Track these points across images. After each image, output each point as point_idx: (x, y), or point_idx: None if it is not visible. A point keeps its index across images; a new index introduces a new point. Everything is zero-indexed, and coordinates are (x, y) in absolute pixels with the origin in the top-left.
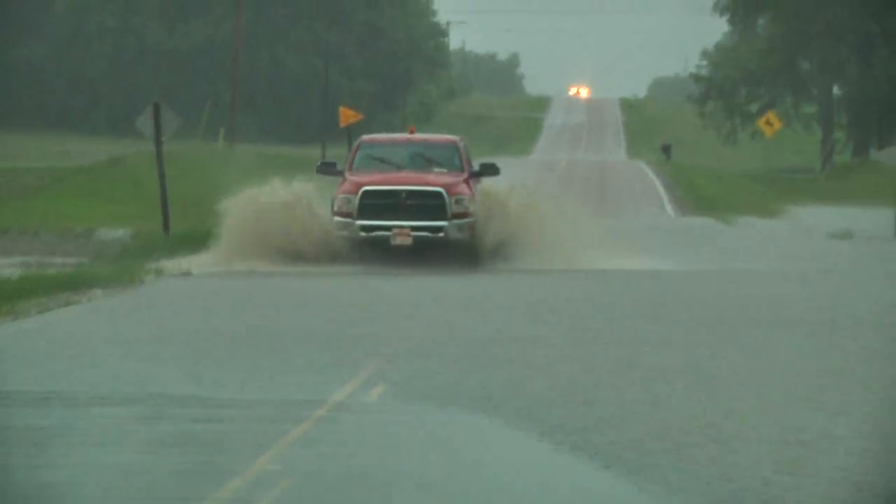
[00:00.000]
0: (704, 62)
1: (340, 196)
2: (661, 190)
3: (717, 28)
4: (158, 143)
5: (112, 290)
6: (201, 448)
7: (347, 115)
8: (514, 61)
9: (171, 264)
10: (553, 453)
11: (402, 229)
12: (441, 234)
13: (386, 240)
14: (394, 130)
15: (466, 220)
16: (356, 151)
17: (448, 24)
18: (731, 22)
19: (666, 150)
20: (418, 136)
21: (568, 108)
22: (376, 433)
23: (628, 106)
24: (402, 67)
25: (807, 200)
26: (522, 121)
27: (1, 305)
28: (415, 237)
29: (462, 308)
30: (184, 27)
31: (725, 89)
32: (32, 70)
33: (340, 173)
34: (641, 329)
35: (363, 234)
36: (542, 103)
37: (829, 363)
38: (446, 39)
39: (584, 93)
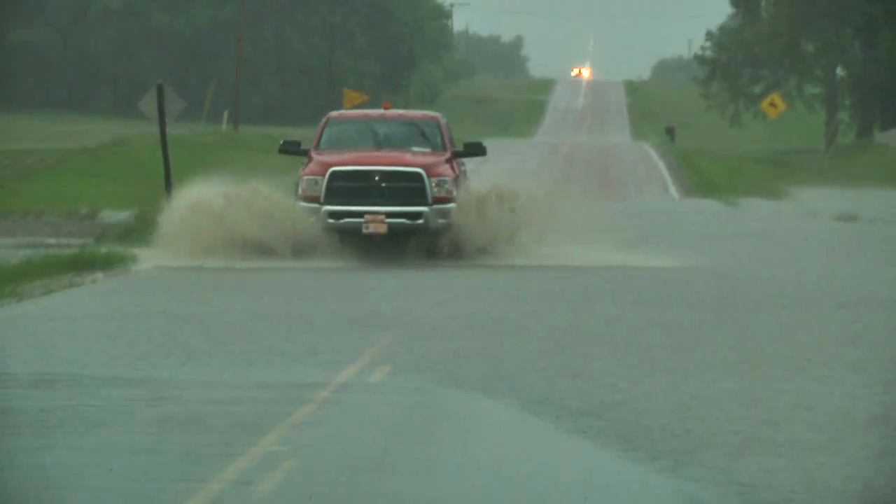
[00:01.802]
0: (709, 43)
1: (305, 178)
2: (665, 172)
3: (722, 10)
4: (162, 124)
5: (113, 272)
6: (205, 429)
7: (352, 97)
8: (517, 44)
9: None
10: (559, 434)
11: (376, 215)
12: (420, 221)
13: (357, 228)
14: None
15: (449, 205)
16: (323, 128)
17: (452, 5)
18: (734, 4)
19: (670, 132)
20: (394, 111)
21: (571, 90)
22: (381, 414)
23: (632, 88)
24: (406, 49)
25: (811, 182)
26: (526, 103)
27: (4, 287)
28: (390, 224)
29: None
30: (187, 8)
31: (730, 71)
32: (36, 52)
33: (306, 153)
34: (652, 319)
35: (331, 221)
36: (545, 86)
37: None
38: (450, 21)
39: (586, 73)
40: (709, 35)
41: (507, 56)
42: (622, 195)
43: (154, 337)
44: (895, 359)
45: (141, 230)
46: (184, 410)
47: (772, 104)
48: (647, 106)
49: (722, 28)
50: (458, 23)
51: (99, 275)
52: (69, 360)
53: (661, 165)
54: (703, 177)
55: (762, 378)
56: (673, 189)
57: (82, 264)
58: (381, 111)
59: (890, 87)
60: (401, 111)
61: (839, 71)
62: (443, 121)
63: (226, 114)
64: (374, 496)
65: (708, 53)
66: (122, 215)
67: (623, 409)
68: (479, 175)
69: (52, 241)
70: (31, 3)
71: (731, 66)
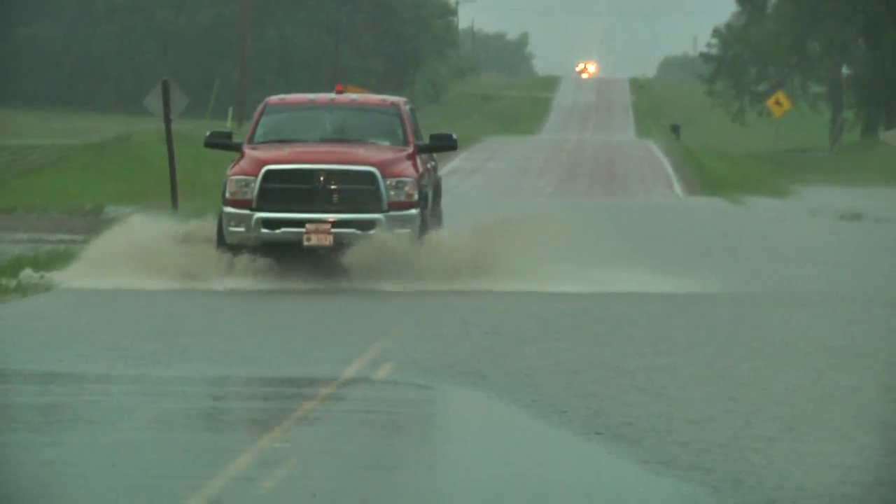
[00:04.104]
0: (714, 41)
1: (234, 178)
2: (670, 170)
3: (727, 7)
4: (168, 120)
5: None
6: (208, 426)
7: (355, 93)
8: (523, 41)
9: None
10: (564, 433)
11: (320, 224)
12: (373, 232)
13: (297, 239)
14: None
15: (410, 211)
16: (259, 117)
17: (457, 2)
18: (739, 2)
19: (675, 129)
20: (346, 96)
21: (577, 87)
22: (384, 412)
23: (637, 86)
24: (412, 46)
25: (815, 180)
26: (531, 100)
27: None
28: (337, 235)
29: None
30: (191, 5)
31: (735, 68)
32: (40, 48)
33: (238, 147)
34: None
35: (265, 231)
36: (551, 83)
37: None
38: (455, 18)
39: (591, 68)
40: (715, 32)
41: (512, 53)
42: (627, 193)
43: (154, 332)
44: None
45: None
46: (186, 407)
47: (777, 103)
48: (652, 103)
49: (728, 26)
50: (464, 20)
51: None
52: (68, 357)
53: (666, 163)
54: (707, 175)
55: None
56: (678, 187)
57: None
58: (329, 96)
59: (895, 86)
60: (354, 96)
61: (844, 70)
62: (406, 108)
63: (230, 110)
64: (376, 493)
65: (713, 51)
66: (126, 211)
67: (614, 408)
68: (483, 174)
69: (52, 237)
70: (35, 0)
71: (737, 63)
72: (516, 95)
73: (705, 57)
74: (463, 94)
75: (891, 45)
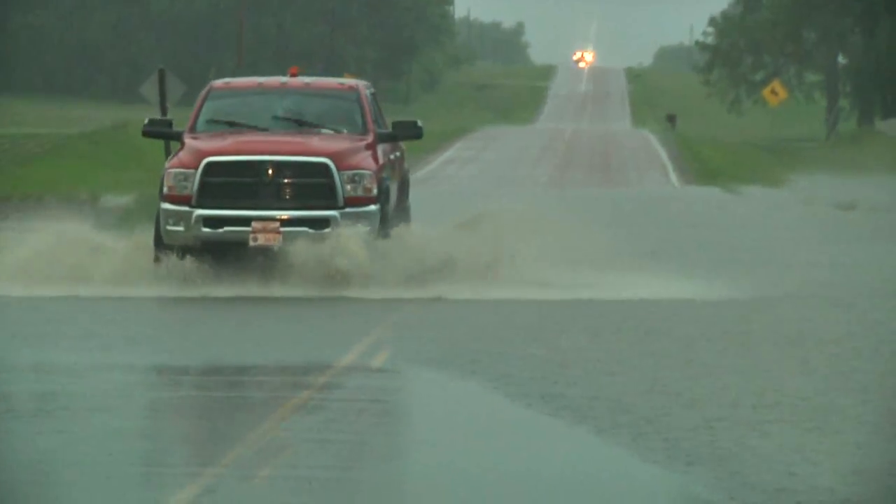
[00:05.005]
0: (710, 29)
1: (172, 171)
2: (666, 159)
3: None
4: (164, 109)
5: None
6: (205, 415)
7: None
8: (519, 30)
9: None
10: (559, 423)
11: (268, 223)
12: (328, 230)
13: (243, 239)
14: (397, 100)
15: (368, 207)
16: (202, 103)
17: None
18: None
19: (671, 119)
20: (299, 80)
21: (573, 77)
22: (381, 400)
23: (633, 75)
24: (407, 35)
25: (811, 169)
26: (527, 89)
27: None
28: (287, 235)
29: None
30: None
31: (731, 58)
32: (35, 36)
33: (178, 137)
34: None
35: (206, 230)
36: (547, 72)
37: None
38: (451, 7)
39: (588, 57)
40: (711, 21)
41: (508, 42)
42: (623, 182)
43: (152, 322)
44: None
45: (140, 214)
46: (181, 395)
47: (773, 92)
48: (648, 93)
49: (724, 15)
50: (460, 9)
51: None
52: (66, 346)
53: (662, 152)
54: (703, 164)
55: None
56: (674, 176)
57: None
58: (280, 79)
59: (890, 76)
60: (309, 79)
61: (840, 59)
62: (366, 92)
63: None
64: (373, 482)
65: (709, 40)
66: (122, 200)
67: (613, 398)
68: (478, 163)
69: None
70: None
71: (733, 53)
72: (512, 84)
73: (701, 46)
74: (459, 84)
75: (886, 34)
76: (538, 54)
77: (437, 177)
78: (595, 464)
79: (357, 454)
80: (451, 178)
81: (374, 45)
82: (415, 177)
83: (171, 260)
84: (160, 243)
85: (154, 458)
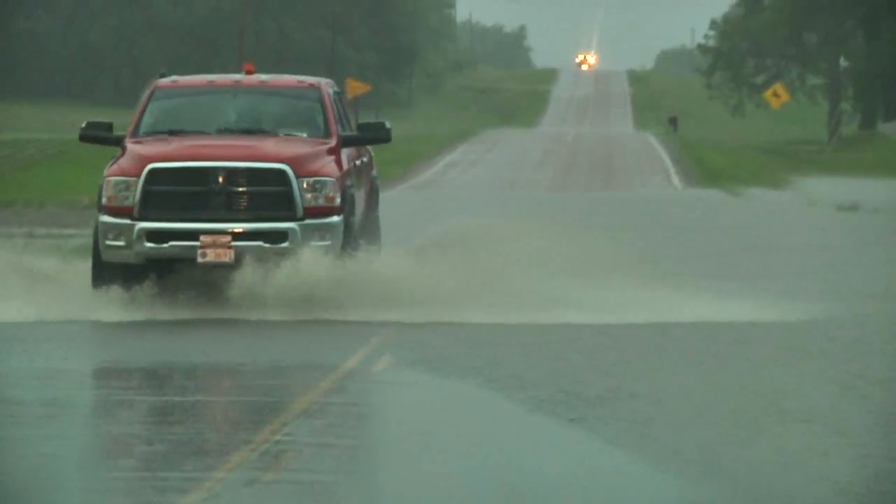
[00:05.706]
0: (712, 32)
1: (112, 179)
2: (668, 162)
3: None
4: None
5: None
6: (207, 418)
7: (355, 87)
8: (521, 33)
9: None
10: (559, 426)
11: (218, 237)
12: (286, 245)
13: (190, 255)
14: (399, 104)
15: (330, 218)
16: (146, 104)
17: None
18: None
19: (672, 122)
20: (254, 77)
21: (575, 80)
22: (385, 403)
23: (635, 78)
24: (409, 39)
25: (814, 172)
26: (529, 93)
27: None
28: (239, 250)
29: None
30: None
31: (733, 60)
32: (37, 41)
33: (119, 142)
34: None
35: (149, 245)
36: (549, 76)
37: None
38: (453, 11)
39: (591, 60)
40: (713, 24)
41: (510, 46)
42: (625, 185)
43: (154, 324)
44: None
45: None
46: (183, 399)
47: (775, 94)
48: (650, 96)
49: (726, 17)
50: (461, 12)
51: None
52: (67, 351)
53: (664, 155)
54: (705, 167)
55: None
56: (676, 179)
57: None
58: (234, 77)
59: (892, 79)
60: (265, 77)
61: (842, 61)
62: (329, 90)
63: None
64: (376, 486)
65: (711, 43)
66: None
67: (609, 403)
68: (482, 166)
69: (43, 230)
70: None
71: (735, 55)
72: (514, 88)
73: (703, 49)
74: (461, 87)
75: (889, 37)
76: (540, 58)
77: (440, 181)
78: (599, 468)
79: (359, 459)
80: (454, 182)
81: (376, 50)
82: (418, 180)
83: (108, 279)
84: (98, 260)
85: (158, 463)
